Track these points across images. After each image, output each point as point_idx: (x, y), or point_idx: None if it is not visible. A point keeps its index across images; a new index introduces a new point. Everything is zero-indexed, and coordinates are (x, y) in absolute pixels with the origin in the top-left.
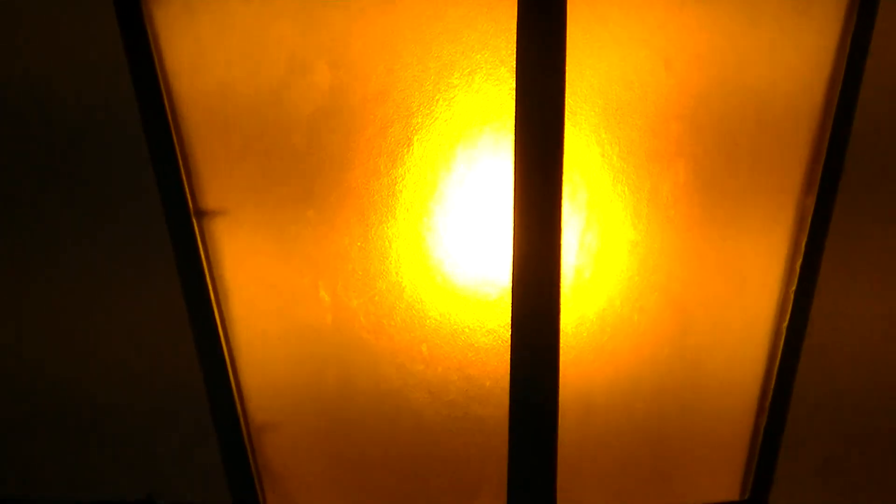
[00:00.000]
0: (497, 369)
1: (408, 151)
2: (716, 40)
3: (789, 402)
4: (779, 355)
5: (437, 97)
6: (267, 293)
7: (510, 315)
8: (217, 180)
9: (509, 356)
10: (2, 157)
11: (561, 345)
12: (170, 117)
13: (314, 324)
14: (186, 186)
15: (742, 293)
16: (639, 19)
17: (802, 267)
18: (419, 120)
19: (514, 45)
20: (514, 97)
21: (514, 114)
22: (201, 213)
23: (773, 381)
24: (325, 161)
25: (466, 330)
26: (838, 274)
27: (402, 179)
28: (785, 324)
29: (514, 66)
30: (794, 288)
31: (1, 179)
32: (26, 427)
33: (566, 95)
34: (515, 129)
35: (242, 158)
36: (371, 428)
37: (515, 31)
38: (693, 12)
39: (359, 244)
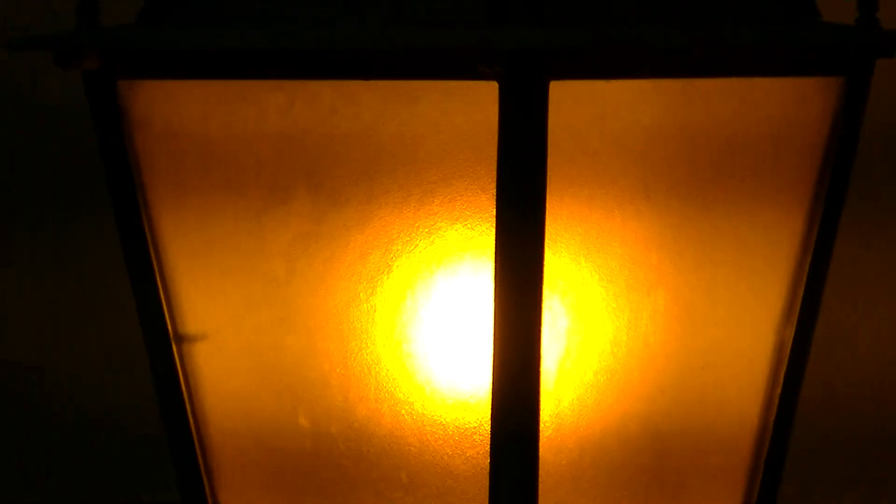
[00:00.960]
0: (476, 497)
1: (388, 278)
2: (696, 170)
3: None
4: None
5: (417, 224)
6: (246, 419)
7: (489, 443)
8: (197, 305)
9: (488, 484)
10: None
11: (540, 473)
12: (150, 242)
13: (293, 450)
14: (166, 310)
15: (728, 402)
16: (619, 147)
17: (788, 369)
18: (399, 247)
19: (495, 174)
20: (495, 224)
21: (494, 241)
22: (181, 338)
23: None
24: (305, 287)
25: (445, 457)
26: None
27: (382, 306)
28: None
29: (495, 193)
30: (779, 392)
31: None
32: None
33: (546, 222)
34: (496, 257)
35: (222, 282)
36: None
37: (496, 159)
38: (674, 142)
39: (338, 370)
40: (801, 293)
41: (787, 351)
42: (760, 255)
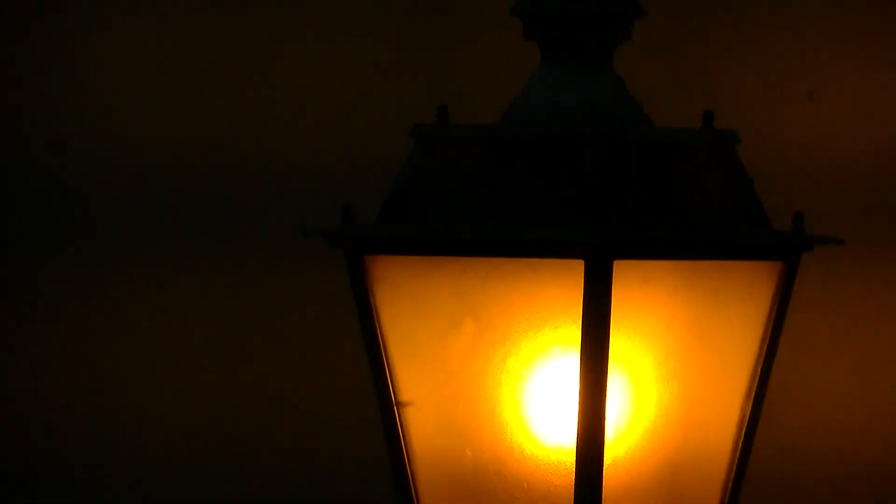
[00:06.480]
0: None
1: (517, 359)
2: (697, 326)
3: None
4: None
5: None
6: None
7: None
8: (407, 380)
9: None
10: None
11: (604, 490)
12: (383, 353)
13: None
14: (391, 384)
15: None
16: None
17: (746, 432)
18: (512, 344)
19: (579, 318)
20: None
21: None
22: (400, 404)
23: None
24: (480, 377)
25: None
26: None
27: (510, 385)
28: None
29: (580, 318)
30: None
31: None
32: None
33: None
34: (581, 356)
35: (434, 373)
36: None
37: (580, 316)
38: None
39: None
40: (755, 386)
41: (746, 420)
42: (732, 358)
